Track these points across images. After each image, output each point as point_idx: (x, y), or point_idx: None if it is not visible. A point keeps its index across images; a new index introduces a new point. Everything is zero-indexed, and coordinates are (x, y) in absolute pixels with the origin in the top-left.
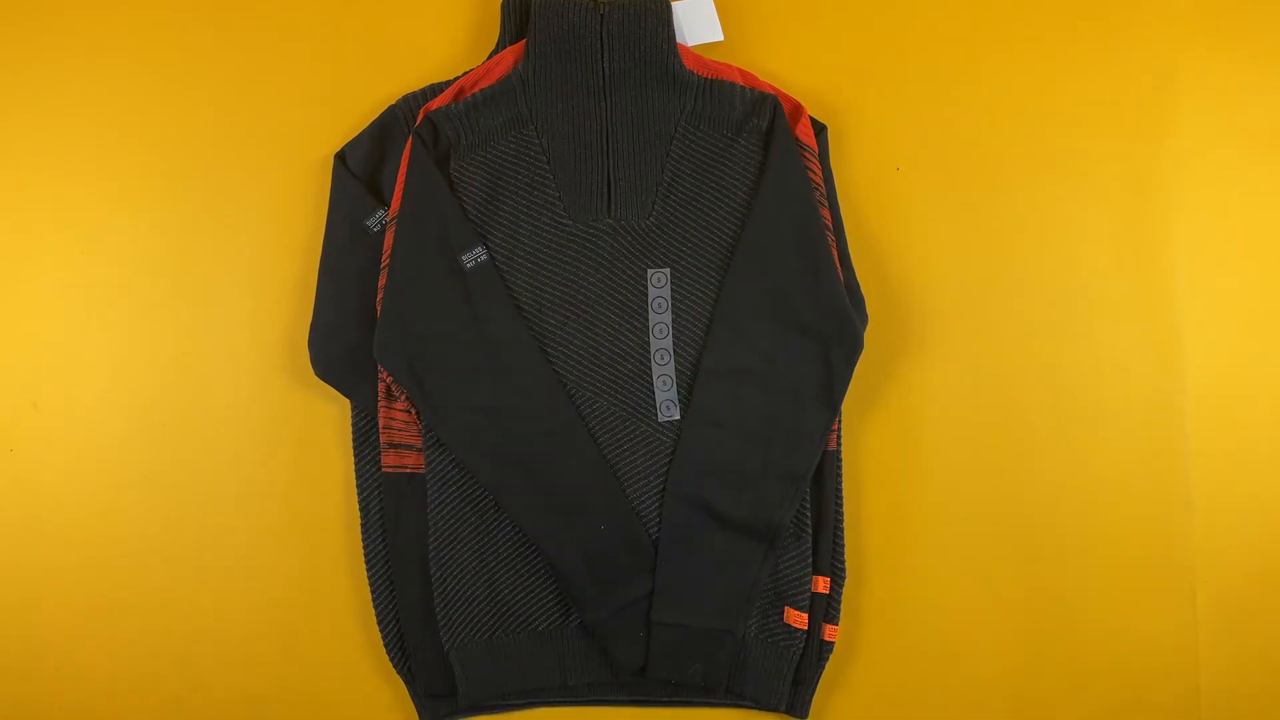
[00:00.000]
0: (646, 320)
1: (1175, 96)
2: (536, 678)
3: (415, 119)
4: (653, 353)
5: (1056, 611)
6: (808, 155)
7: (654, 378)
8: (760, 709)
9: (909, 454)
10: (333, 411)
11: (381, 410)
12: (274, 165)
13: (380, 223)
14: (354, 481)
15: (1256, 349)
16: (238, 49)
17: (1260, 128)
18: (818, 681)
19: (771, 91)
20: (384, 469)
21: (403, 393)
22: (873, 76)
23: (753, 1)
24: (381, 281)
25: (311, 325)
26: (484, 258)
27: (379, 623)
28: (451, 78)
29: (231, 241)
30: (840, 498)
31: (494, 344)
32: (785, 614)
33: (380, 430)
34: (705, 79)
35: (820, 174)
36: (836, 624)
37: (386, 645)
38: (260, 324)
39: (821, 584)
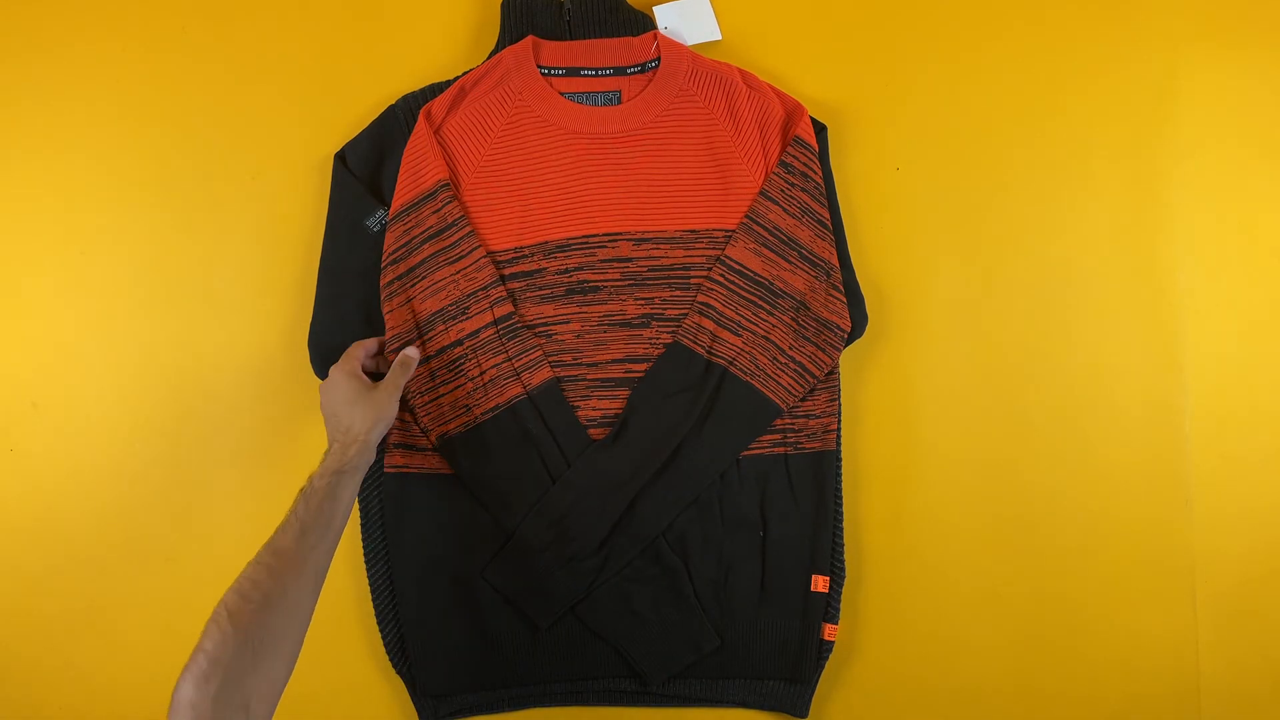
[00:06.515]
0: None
1: (1175, 96)
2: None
3: (415, 119)
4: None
5: (1056, 611)
6: (808, 155)
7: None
8: (768, 708)
9: (909, 454)
10: None
11: None
12: (274, 165)
13: (380, 223)
14: None
15: (1256, 349)
16: (237, 49)
17: (1260, 128)
18: (817, 681)
19: (771, 91)
20: (384, 469)
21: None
22: (873, 76)
23: (753, 1)
24: (382, 281)
25: (311, 325)
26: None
27: (379, 623)
28: (451, 78)
29: (231, 241)
30: (840, 497)
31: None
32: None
33: None
34: None
35: (820, 174)
36: (836, 623)
37: (386, 645)
38: (260, 324)
39: (821, 583)
